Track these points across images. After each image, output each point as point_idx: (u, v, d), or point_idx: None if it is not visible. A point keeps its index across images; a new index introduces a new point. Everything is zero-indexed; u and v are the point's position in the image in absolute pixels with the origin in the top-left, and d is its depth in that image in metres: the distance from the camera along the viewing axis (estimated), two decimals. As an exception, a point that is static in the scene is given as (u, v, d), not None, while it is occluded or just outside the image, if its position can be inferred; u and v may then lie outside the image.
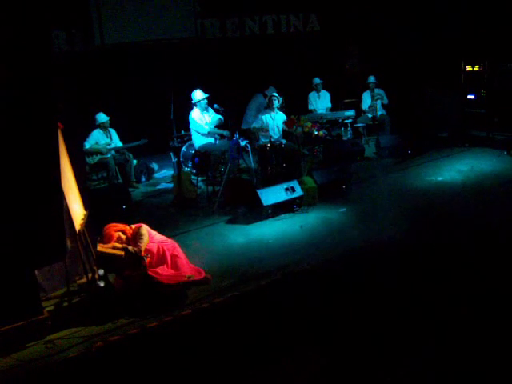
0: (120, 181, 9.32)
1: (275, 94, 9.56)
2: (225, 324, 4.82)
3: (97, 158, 9.33)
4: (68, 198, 5.07)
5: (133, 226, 5.62)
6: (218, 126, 9.54)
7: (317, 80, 11.46)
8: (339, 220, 7.23)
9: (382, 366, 4.03)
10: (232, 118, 8.95)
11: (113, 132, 9.61)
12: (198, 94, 9.29)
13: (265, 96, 10.81)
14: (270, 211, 7.51)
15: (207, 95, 9.29)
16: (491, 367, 3.91)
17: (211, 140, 9.36)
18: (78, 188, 5.67)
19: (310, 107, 11.54)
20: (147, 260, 5.33)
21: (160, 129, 9.87)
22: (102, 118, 9.38)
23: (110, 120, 9.46)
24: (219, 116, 9.37)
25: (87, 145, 9.25)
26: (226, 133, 9.34)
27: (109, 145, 9.44)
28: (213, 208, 7.97)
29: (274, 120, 9.54)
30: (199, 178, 9.39)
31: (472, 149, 10.41)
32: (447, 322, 4.45)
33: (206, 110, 9.38)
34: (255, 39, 12.61)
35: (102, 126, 9.41)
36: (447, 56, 11.18)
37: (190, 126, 9.46)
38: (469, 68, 10.82)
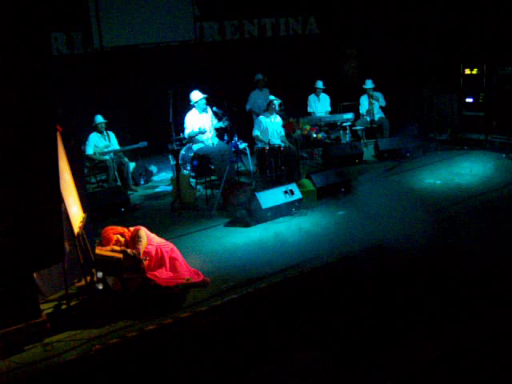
0: (119, 183, 9.32)
1: (273, 98, 9.56)
2: (224, 327, 4.81)
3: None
4: (67, 200, 5.07)
5: (131, 229, 5.63)
6: (217, 130, 9.54)
7: (319, 84, 11.38)
8: (338, 223, 7.23)
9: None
10: (231, 121, 8.92)
11: (111, 135, 9.60)
12: (195, 95, 9.28)
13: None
14: (268, 214, 7.51)
15: (205, 95, 9.29)
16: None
17: (209, 143, 9.34)
18: (77, 190, 5.67)
19: (310, 110, 11.51)
20: (146, 263, 5.33)
21: (159, 131, 9.84)
22: (98, 119, 9.37)
23: (105, 124, 9.44)
24: (219, 123, 9.33)
25: (90, 150, 9.26)
26: (200, 138, 9.25)
27: (107, 147, 9.43)
28: (212, 211, 7.96)
29: (273, 124, 9.54)
30: (198, 181, 9.38)
31: (471, 152, 10.42)
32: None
33: (204, 110, 9.36)
34: (254, 42, 12.63)
35: (98, 129, 9.39)
36: (446, 59, 11.21)
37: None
38: (467, 71, 10.84)
